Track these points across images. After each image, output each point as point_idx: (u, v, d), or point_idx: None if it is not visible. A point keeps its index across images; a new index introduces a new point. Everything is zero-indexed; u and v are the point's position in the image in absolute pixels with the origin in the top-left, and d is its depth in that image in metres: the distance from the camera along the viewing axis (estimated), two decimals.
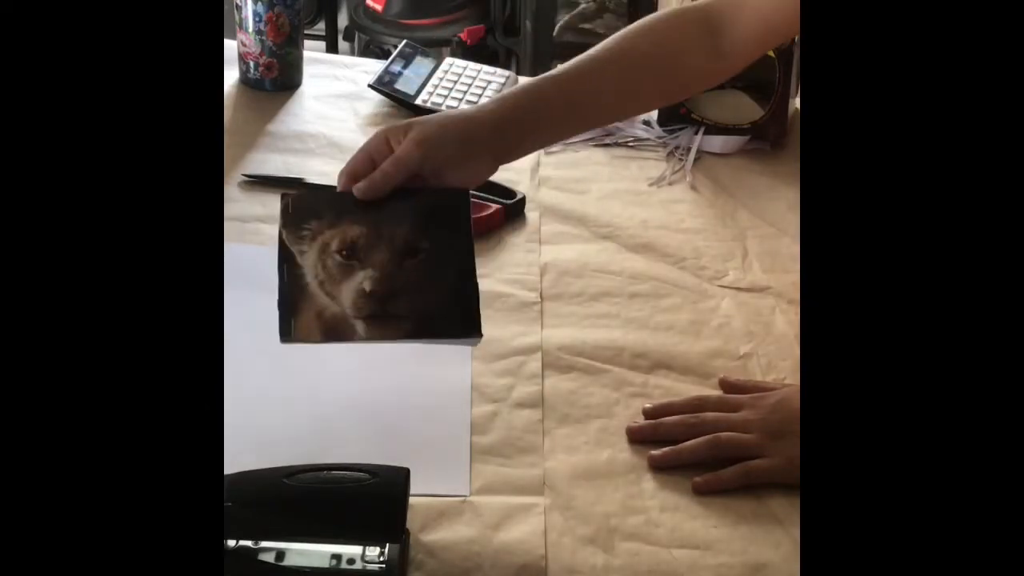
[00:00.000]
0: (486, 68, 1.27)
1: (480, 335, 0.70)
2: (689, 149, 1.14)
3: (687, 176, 1.10)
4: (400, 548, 0.64)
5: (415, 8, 2.33)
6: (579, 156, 1.13)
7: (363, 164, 0.74)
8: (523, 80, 1.29)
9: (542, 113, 0.79)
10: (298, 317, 0.69)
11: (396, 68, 1.20)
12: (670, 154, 1.14)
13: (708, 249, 0.98)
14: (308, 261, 0.70)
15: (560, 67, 0.82)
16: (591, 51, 0.82)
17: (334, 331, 0.68)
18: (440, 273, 0.72)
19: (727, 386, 0.82)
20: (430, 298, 0.71)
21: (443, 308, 0.71)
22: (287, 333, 0.68)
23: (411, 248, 0.72)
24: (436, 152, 0.73)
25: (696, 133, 1.16)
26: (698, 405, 0.78)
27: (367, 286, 0.69)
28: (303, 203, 0.74)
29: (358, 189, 0.73)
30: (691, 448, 0.74)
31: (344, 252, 0.70)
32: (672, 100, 1.02)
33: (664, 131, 1.17)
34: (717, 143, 1.14)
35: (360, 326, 0.69)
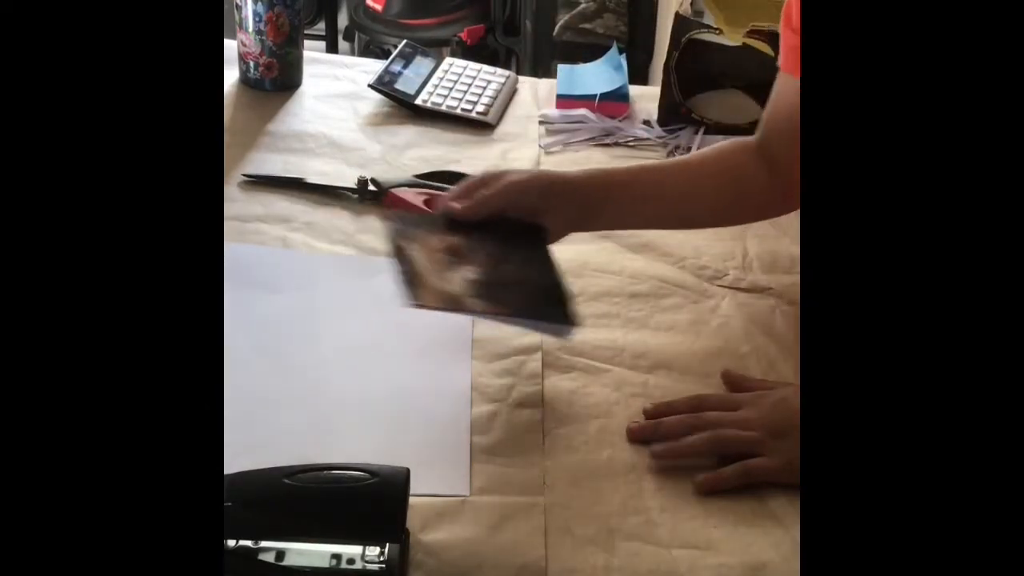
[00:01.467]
0: (486, 68, 1.28)
1: (575, 325, 0.77)
2: (689, 149, 1.14)
3: None
4: (400, 548, 0.64)
5: (415, 8, 2.33)
6: (579, 156, 1.13)
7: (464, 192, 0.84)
8: (523, 80, 1.29)
9: (612, 193, 0.87)
10: (417, 288, 0.73)
11: (396, 68, 1.20)
12: (670, 154, 1.14)
13: (708, 249, 0.98)
14: (418, 255, 0.76)
15: (639, 163, 0.94)
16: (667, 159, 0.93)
17: (453, 303, 0.74)
18: (532, 276, 0.79)
19: (730, 379, 0.82)
20: (529, 292, 0.78)
21: (543, 299, 0.78)
22: (411, 298, 0.72)
23: (504, 258, 0.79)
24: (521, 198, 0.82)
25: (696, 133, 1.16)
26: (698, 404, 0.78)
27: (472, 275, 0.76)
28: (402, 219, 0.82)
29: (456, 209, 0.81)
30: (691, 443, 0.74)
31: (448, 253, 0.78)
32: (735, 216, 0.97)
33: (664, 131, 1.17)
34: (717, 143, 1.14)
35: (474, 302, 0.74)
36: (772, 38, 1.10)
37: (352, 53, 2.41)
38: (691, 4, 1.19)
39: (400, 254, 0.76)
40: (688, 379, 0.83)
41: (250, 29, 1.15)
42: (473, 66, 1.28)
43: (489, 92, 1.21)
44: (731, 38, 1.12)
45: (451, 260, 0.77)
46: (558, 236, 0.85)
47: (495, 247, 0.79)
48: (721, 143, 0.95)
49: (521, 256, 0.80)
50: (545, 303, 0.77)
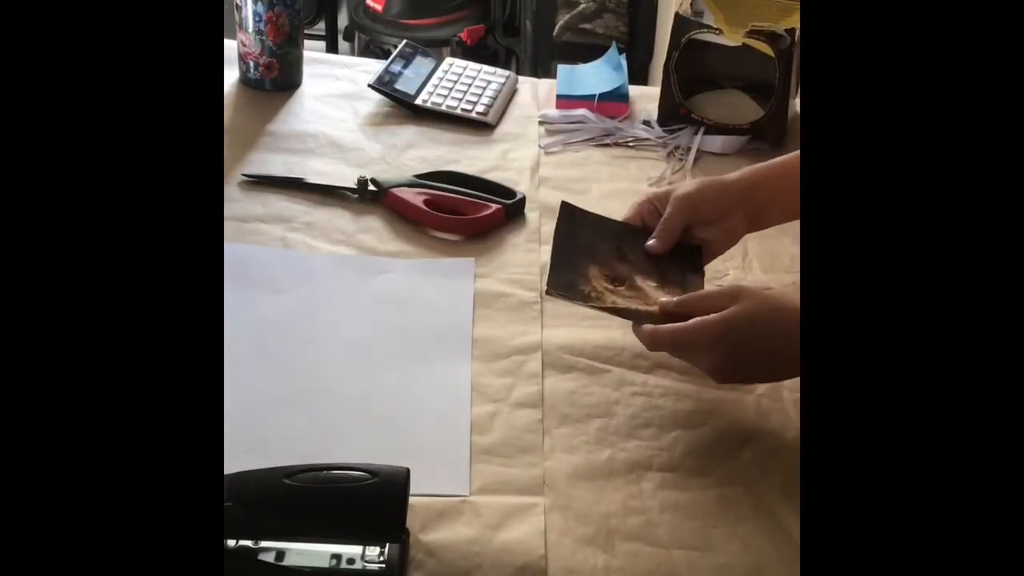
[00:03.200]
0: (486, 68, 1.28)
1: None
2: (689, 149, 1.14)
3: (687, 176, 1.10)
4: (400, 548, 0.64)
5: (415, 8, 2.33)
6: (579, 156, 1.13)
7: (634, 221, 0.87)
8: (523, 80, 1.29)
9: (787, 182, 0.86)
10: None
11: (396, 68, 1.20)
12: (670, 154, 1.14)
13: None
14: (607, 300, 0.80)
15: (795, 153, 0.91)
16: None
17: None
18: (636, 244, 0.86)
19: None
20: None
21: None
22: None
23: (663, 277, 0.84)
24: (694, 212, 0.85)
25: (696, 133, 1.16)
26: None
27: (653, 283, 0.83)
28: (557, 283, 0.81)
29: (651, 247, 0.85)
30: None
31: (615, 282, 0.82)
32: None
33: (664, 131, 1.17)
34: (717, 143, 1.14)
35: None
36: (772, 38, 1.10)
37: (352, 53, 2.41)
38: (691, 4, 1.19)
39: (582, 298, 0.80)
40: (688, 379, 0.83)
41: (250, 29, 1.15)
42: (473, 66, 1.28)
43: (489, 92, 1.21)
44: (731, 38, 1.12)
45: (627, 292, 0.81)
46: (733, 242, 0.88)
47: (651, 268, 0.84)
48: None
49: (677, 269, 0.85)
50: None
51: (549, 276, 0.81)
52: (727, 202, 0.86)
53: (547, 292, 0.81)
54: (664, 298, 0.79)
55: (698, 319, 0.74)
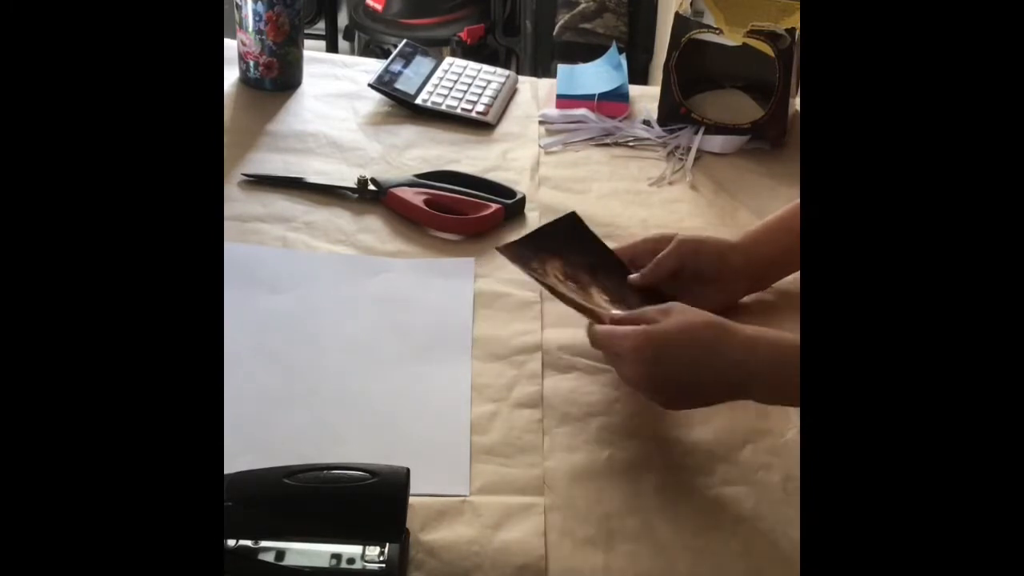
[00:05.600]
0: (486, 68, 1.27)
1: None
2: (689, 149, 1.14)
3: (687, 176, 1.10)
4: (400, 548, 0.64)
5: (415, 8, 2.33)
6: (579, 156, 1.13)
7: (630, 252, 0.89)
8: (523, 80, 1.29)
9: (786, 239, 0.87)
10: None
11: (396, 67, 1.20)
12: (670, 154, 1.14)
13: None
14: (559, 289, 0.82)
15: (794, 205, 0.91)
16: None
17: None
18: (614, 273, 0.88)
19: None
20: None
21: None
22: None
23: (591, 267, 0.87)
24: (691, 261, 0.86)
25: (696, 133, 1.16)
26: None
27: (606, 298, 0.84)
28: (513, 252, 0.85)
29: (633, 279, 0.87)
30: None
31: (568, 281, 0.84)
32: None
33: (664, 131, 1.17)
34: (717, 143, 1.14)
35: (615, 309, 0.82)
36: (772, 38, 1.10)
37: (352, 53, 2.41)
38: (691, 4, 1.19)
39: (552, 290, 0.82)
40: None
41: (250, 29, 1.15)
42: (473, 66, 1.28)
43: (489, 92, 1.21)
44: (731, 38, 1.12)
45: (578, 288, 0.84)
46: (730, 304, 0.88)
47: (615, 294, 0.85)
48: None
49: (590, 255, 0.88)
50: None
51: (510, 243, 0.85)
52: (729, 266, 0.87)
53: (498, 247, 0.84)
54: (616, 311, 0.80)
55: (626, 327, 0.74)
